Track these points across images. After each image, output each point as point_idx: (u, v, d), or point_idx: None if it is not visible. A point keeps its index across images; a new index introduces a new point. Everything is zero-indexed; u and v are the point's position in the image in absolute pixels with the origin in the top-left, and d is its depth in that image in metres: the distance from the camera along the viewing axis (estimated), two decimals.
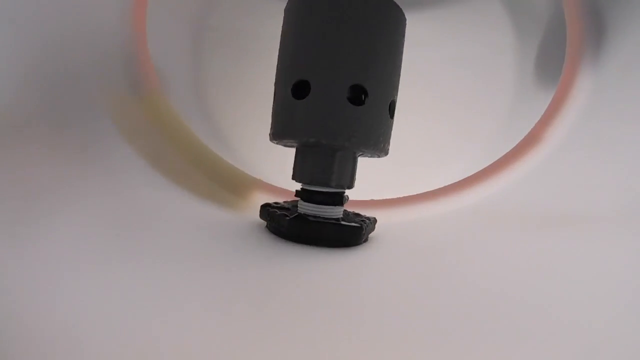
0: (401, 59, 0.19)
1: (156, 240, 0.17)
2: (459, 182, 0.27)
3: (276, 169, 0.25)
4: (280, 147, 0.20)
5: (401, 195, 0.27)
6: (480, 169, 0.28)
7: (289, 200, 0.23)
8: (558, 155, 0.27)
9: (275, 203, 0.21)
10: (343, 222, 0.18)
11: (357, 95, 0.17)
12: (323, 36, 0.17)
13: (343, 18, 0.16)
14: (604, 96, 0.27)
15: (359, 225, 0.18)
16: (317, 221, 0.18)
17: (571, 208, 0.22)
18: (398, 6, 0.18)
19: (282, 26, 0.19)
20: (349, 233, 0.18)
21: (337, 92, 0.16)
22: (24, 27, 0.20)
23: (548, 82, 0.32)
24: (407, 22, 0.19)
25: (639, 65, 0.25)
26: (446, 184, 0.29)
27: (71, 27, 0.24)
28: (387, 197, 0.27)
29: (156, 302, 0.12)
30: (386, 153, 0.19)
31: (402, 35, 0.19)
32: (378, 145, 0.18)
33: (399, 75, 0.19)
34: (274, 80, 0.19)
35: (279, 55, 0.19)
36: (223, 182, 0.26)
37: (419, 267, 0.16)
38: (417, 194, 0.28)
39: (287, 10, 0.19)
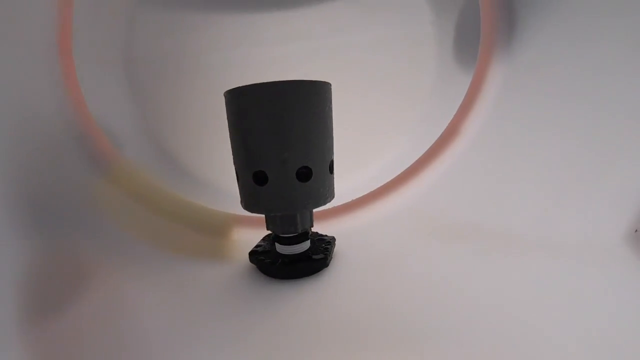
0: (332, 119, 0.24)
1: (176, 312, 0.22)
2: (391, 182, 0.33)
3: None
4: None
5: (340, 203, 0.33)
6: (409, 159, 0.34)
7: (263, 233, 0.29)
8: (475, 149, 0.33)
9: (257, 246, 0.27)
10: (313, 257, 0.25)
11: (305, 173, 0.22)
12: (268, 132, 0.21)
13: (284, 112, 0.21)
14: (515, 89, 0.31)
15: (324, 256, 0.25)
16: (294, 263, 0.24)
17: (485, 212, 0.29)
18: (324, 82, 0.22)
19: (227, 114, 0.23)
20: (319, 264, 0.25)
21: (288, 177, 0.22)
22: None
23: (466, 65, 0.36)
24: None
25: (548, 60, 0.29)
26: (378, 180, 0.34)
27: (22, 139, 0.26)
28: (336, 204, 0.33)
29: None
30: (332, 198, 0.25)
31: (329, 101, 0.23)
32: (326, 200, 0.24)
33: (332, 134, 0.24)
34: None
35: (231, 140, 0.23)
36: (206, 229, 0.30)
37: (370, 285, 0.23)
38: (353, 200, 0.33)
39: (229, 103, 0.23)
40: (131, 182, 0.32)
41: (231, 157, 0.24)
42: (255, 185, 0.22)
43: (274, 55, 0.38)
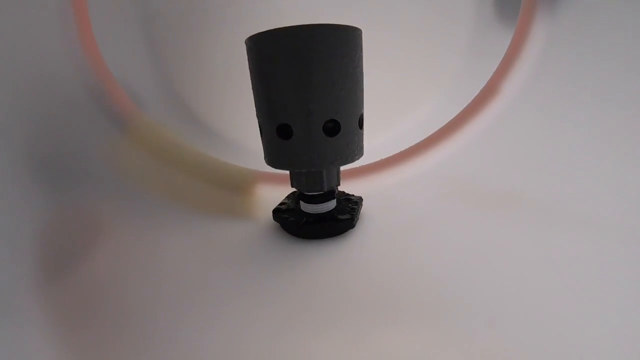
0: (362, 70, 0.22)
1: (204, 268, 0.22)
2: (423, 142, 0.31)
3: None
4: None
5: (369, 162, 0.31)
6: (443, 118, 0.32)
7: (287, 191, 0.28)
8: (514, 111, 0.30)
9: (281, 204, 0.26)
10: (339, 217, 0.24)
11: (332, 127, 0.20)
12: (292, 82, 0.19)
13: (309, 60, 0.19)
14: (560, 48, 0.29)
15: (350, 217, 0.24)
16: (319, 223, 0.23)
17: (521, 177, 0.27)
18: (353, 28, 0.20)
19: (249, 62, 0.22)
20: (345, 225, 0.23)
21: (315, 130, 0.20)
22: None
23: (507, 21, 0.33)
24: None
25: (595, 19, 0.26)
26: (409, 139, 0.33)
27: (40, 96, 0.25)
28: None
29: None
30: (361, 155, 0.23)
31: (360, 49, 0.21)
32: (354, 157, 0.22)
33: (363, 85, 0.22)
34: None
35: (253, 93, 0.22)
36: (229, 186, 0.30)
37: (398, 249, 0.22)
38: (383, 159, 0.32)
39: (250, 51, 0.21)
40: (151, 139, 0.31)
41: (252, 112, 0.23)
42: (280, 140, 0.21)
43: (299, 5, 0.36)
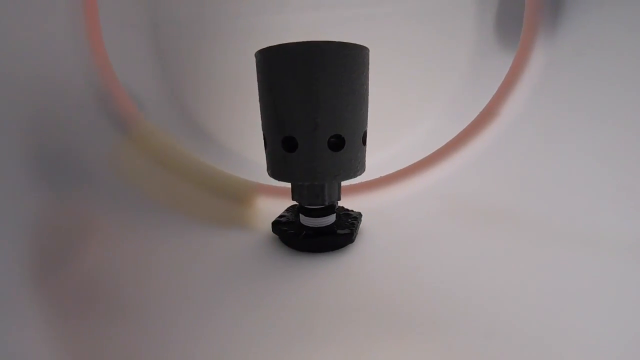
0: (367, 87, 0.22)
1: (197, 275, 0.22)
2: (422, 160, 0.32)
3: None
4: None
5: (371, 178, 0.31)
6: (443, 138, 0.33)
7: (287, 204, 0.28)
8: (512, 133, 0.31)
9: (281, 217, 0.26)
10: (338, 232, 0.24)
11: (337, 142, 0.21)
12: (300, 96, 0.20)
13: (318, 75, 0.19)
14: (558, 73, 0.29)
15: (349, 232, 0.24)
16: (319, 237, 0.23)
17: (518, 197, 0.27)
18: (360, 47, 0.21)
19: (258, 75, 0.22)
20: (344, 240, 0.24)
21: (319, 144, 0.20)
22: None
23: (507, 44, 0.34)
24: None
25: (595, 45, 0.27)
26: (408, 157, 0.33)
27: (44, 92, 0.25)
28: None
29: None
30: (363, 171, 0.23)
31: (367, 67, 0.22)
32: (356, 173, 0.22)
33: (368, 102, 0.23)
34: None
35: (260, 105, 0.22)
36: (229, 196, 0.30)
37: (396, 265, 0.22)
38: (383, 177, 0.32)
39: (259, 64, 0.21)
40: (153, 145, 0.31)
41: (256, 124, 0.23)
42: (284, 152, 0.21)
43: (305, 22, 0.37)
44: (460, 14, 0.36)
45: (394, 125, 0.35)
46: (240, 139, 0.35)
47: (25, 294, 0.18)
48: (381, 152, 0.35)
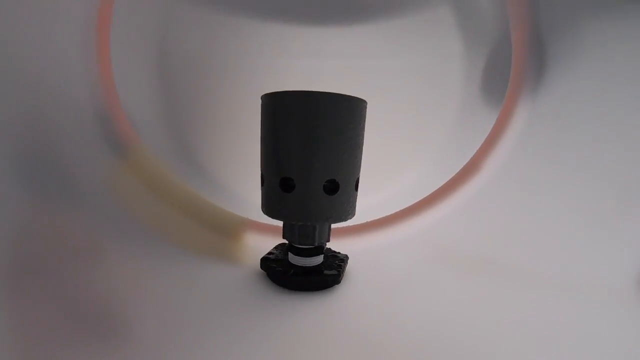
0: (363, 137, 0.24)
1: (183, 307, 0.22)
2: (408, 208, 0.33)
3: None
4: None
5: (358, 223, 0.33)
6: (428, 187, 0.34)
7: (275, 241, 0.29)
8: (494, 185, 0.33)
9: (269, 253, 0.27)
10: (325, 272, 0.24)
11: (332, 187, 0.22)
12: (301, 141, 0.21)
13: (318, 123, 0.21)
14: (540, 129, 0.32)
15: (336, 272, 0.24)
16: (306, 276, 0.24)
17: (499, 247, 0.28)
18: (361, 100, 0.22)
19: (262, 116, 0.23)
20: (331, 280, 0.24)
21: (315, 187, 0.21)
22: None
23: (493, 100, 0.36)
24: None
25: (575, 103, 0.29)
26: (394, 204, 0.34)
27: (46, 106, 0.26)
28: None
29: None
30: (353, 215, 0.24)
31: (364, 119, 0.23)
32: (347, 216, 0.23)
33: (362, 151, 0.24)
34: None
35: (262, 145, 0.23)
36: (218, 229, 0.30)
37: (379, 308, 0.23)
38: (370, 221, 0.33)
39: (265, 106, 0.23)
40: (148, 171, 0.32)
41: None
42: (281, 192, 0.22)
43: (303, 69, 0.39)
44: (450, 71, 0.39)
45: (383, 173, 0.36)
46: (234, 174, 0.36)
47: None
48: (370, 197, 0.36)
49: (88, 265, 0.23)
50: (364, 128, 0.23)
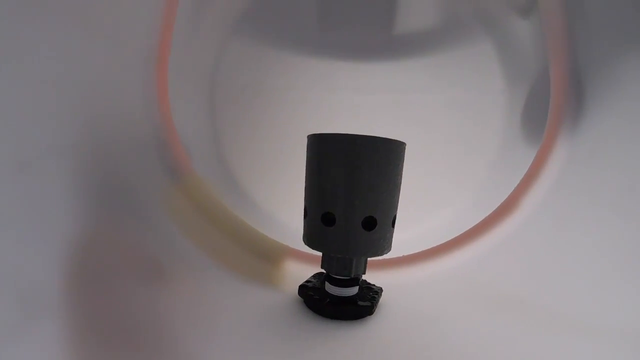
0: (401, 177, 0.25)
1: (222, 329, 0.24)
2: (444, 244, 0.34)
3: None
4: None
5: (394, 256, 0.34)
6: (465, 224, 0.35)
7: (314, 270, 0.30)
8: (532, 224, 0.33)
9: (307, 281, 0.28)
10: (360, 303, 0.25)
11: (370, 223, 0.23)
12: (343, 180, 0.23)
13: (360, 164, 0.23)
14: (579, 168, 0.32)
15: (370, 304, 0.25)
16: (341, 305, 0.25)
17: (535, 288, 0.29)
18: (400, 142, 0.24)
19: (307, 154, 0.25)
20: (364, 311, 0.25)
21: (355, 223, 0.23)
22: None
23: (532, 137, 0.37)
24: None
25: (614, 142, 0.29)
26: (430, 240, 0.35)
27: (106, 131, 0.28)
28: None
29: None
30: (389, 251, 0.25)
31: (402, 159, 0.25)
32: (384, 251, 0.25)
33: (400, 190, 0.25)
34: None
35: (306, 181, 0.25)
36: (261, 254, 0.32)
37: (410, 340, 0.24)
38: (405, 256, 0.34)
39: (310, 145, 0.25)
40: (199, 196, 0.34)
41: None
42: (322, 225, 0.24)
43: (348, 103, 0.41)
44: (490, 106, 0.39)
45: (421, 208, 0.37)
46: (278, 203, 0.38)
47: (59, 310, 0.20)
48: (407, 232, 0.37)
49: (147, 282, 0.26)
50: (402, 168, 0.25)
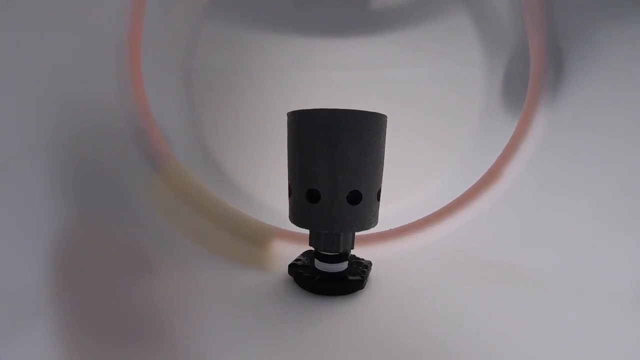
0: (384, 150, 0.25)
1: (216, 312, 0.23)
2: (430, 215, 0.34)
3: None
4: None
5: (382, 230, 0.34)
6: (449, 195, 0.35)
7: (302, 248, 0.30)
8: (515, 192, 0.33)
9: (297, 260, 0.28)
10: (350, 278, 0.26)
11: (355, 197, 0.23)
12: (325, 155, 0.23)
13: (342, 138, 0.22)
14: (560, 136, 0.32)
15: (360, 278, 0.26)
16: (331, 281, 0.25)
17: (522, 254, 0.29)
18: (381, 115, 0.24)
19: (288, 132, 0.25)
20: (355, 285, 0.25)
21: (339, 198, 0.23)
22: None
23: (513, 106, 0.37)
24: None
25: (594, 110, 0.29)
26: (416, 212, 0.35)
27: (82, 118, 0.27)
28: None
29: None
30: (376, 224, 0.26)
31: (384, 132, 0.25)
32: (370, 225, 0.25)
33: (383, 163, 0.25)
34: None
35: (289, 159, 0.25)
36: (248, 237, 0.32)
37: (402, 311, 0.24)
38: (393, 229, 0.34)
39: (290, 123, 0.24)
40: (180, 182, 0.34)
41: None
42: (307, 202, 0.24)
43: (326, 80, 0.40)
44: (470, 78, 0.39)
45: (405, 181, 0.37)
46: (262, 184, 0.38)
47: (47, 307, 0.19)
48: (393, 205, 0.37)
49: (134, 273, 0.25)
50: (384, 141, 0.25)
